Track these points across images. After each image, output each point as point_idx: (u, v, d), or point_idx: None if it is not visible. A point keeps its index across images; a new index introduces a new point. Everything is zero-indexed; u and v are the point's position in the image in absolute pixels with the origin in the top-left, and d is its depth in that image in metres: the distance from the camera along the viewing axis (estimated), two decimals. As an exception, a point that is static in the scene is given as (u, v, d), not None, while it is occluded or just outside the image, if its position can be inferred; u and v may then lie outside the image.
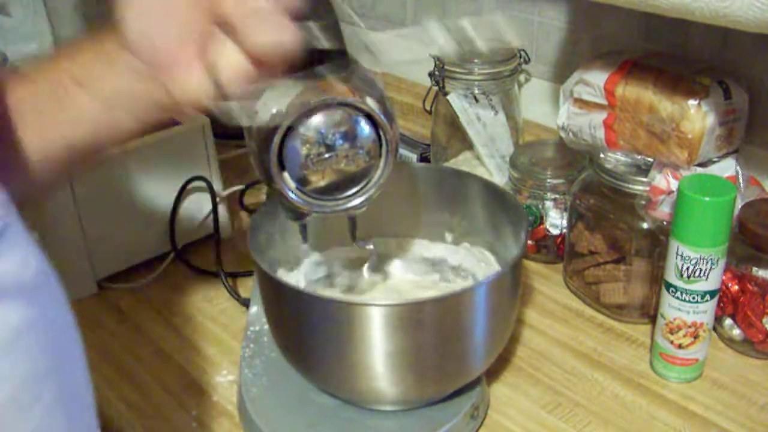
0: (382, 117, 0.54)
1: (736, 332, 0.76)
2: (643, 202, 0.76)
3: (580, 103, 0.85)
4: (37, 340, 0.31)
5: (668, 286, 0.70)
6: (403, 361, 0.62)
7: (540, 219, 0.88)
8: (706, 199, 0.65)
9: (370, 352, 0.60)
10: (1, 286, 0.30)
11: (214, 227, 0.91)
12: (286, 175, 0.55)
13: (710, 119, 0.75)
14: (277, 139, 0.53)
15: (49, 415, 0.32)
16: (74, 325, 0.34)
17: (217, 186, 0.93)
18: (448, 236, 0.78)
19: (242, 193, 1.04)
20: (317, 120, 0.53)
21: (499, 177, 0.96)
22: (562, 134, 0.89)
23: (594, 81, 0.83)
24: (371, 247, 0.67)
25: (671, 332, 0.71)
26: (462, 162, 1.00)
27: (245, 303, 0.83)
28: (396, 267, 0.79)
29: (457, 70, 0.96)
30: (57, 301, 0.34)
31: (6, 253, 0.30)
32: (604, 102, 0.82)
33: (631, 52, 0.86)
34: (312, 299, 0.63)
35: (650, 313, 0.79)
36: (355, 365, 0.62)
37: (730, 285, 0.74)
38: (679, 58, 0.86)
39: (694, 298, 0.69)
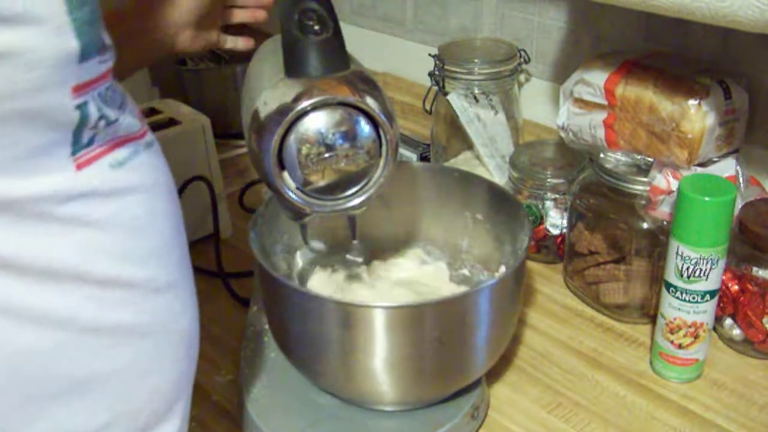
0: (382, 117, 0.54)
1: (736, 332, 0.76)
2: (643, 202, 0.76)
3: (580, 103, 0.85)
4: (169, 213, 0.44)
5: (668, 286, 0.70)
6: (404, 363, 0.62)
7: (540, 219, 0.88)
8: (706, 199, 0.65)
9: (371, 353, 0.60)
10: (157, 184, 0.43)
11: (214, 227, 0.91)
12: (285, 174, 0.55)
13: (710, 119, 0.75)
14: (277, 139, 0.53)
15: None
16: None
17: (217, 186, 0.93)
18: (446, 235, 0.78)
19: (242, 193, 1.04)
20: (317, 120, 0.53)
21: (499, 177, 0.96)
22: (562, 134, 0.89)
23: (594, 81, 0.83)
24: (357, 243, 0.68)
25: (671, 332, 0.71)
26: (462, 162, 1.00)
27: (245, 303, 0.83)
28: (395, 264, 0.79)
29: (457, 69, 0.96)
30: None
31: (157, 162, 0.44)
32: (604, 102, 0.82)
33: (631, 52, 0.86)
34: (313, 299, 0.62)
35: (650, 313, 0.79)
36: (356, 366, 0.62)
37: (730, 285, 0.74)
38: (679, 58, 0.86)
39: (694, 298, 0.69)
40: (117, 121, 0.40)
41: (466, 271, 0.77)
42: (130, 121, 0.41)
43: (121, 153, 0.40)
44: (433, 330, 0.61)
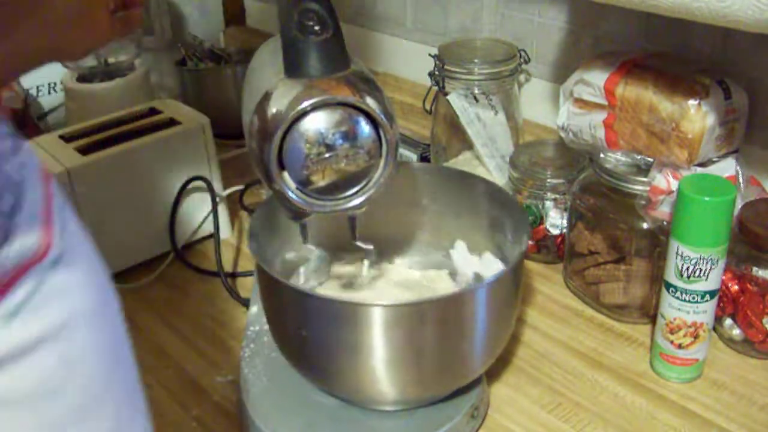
0: (382, 117, 0.54)
1: (736, 332, 0.76)
2: (643, 202, 0.76)
3: (580, 103, 0.85)
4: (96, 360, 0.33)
5: (668, 286, 0.70)
6: (403, 361, 0.62)
7: (540, 219, 0.88)
8: (706, 199, 0.65)
9: (370, 352, 0.60)
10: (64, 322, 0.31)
11: (214, 227, 0.91)
12: (286, 174, 0.55)
13: (710, 119, 0.75)
14: (277, 139, 0.53)
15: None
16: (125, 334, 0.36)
17: (217, 186, 0.93)
18: (448, 236, 0.78)
19: (242, 193, 1.04)
20: (317, 120, 0.53)
21: (499, 177, 0.96)
22: (562, 134, 0.89)
23: (594, 81, 0.83)
24: (371, 246, 0.68)
25: (671, 332, 0.71)
26: (462, 162, 1.00)
27: (245, 303, 0.83)
28: (396, 264, 0.79)
29: (457, 70, 0.96)
30: (114, 320, 0.35)
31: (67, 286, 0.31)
32: (604, 102, 0.82)
33: (631, 52, 0.86)
34: (312, 299, 0.62)
35: (650, 313, 0.79)
36: (355, 365, 0.62)
37: (730, 285, 0.74)
38: (679, 58, 0.86)
39: (694, 298, 0.69)
40: None
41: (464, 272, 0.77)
42: (22, 244, 0.29)
43: (15, 297, 0.29)
44: (432, 328, 0.61)
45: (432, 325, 0.60)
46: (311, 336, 0.62)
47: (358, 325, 0.59)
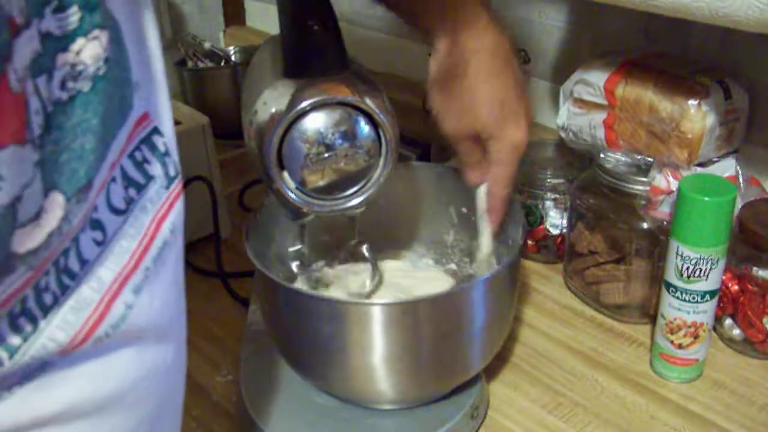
0: (381, 116, 0.54)
1: (736, 332, 0.76)
2: (643, 202, 0.76)
3: (580, 103, 0.85)
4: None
5: (668, 286, 0.70)
6: (401, 360, 0.62)
7: (540, 219, 0.88)
8: (706, 199, 0.65)
9: (368, 351, 0.60)
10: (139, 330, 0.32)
11: (214, 227, 0.91)
12: (285, 174, 0.55)
13: (710, 119, 0.75)
14: (276, 139, 0.53)
15: None
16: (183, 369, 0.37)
17: (217, 186, 0.93)
18: (448, 236, 0.78)
19: (242, 193, 1.04)
20: (317, 119, 0.53)
21: (499, 177, 0.95)
22: (562, 134, 0.89)
23: (594, 81, 0.83)
24: (367, 246, 0.68)
25: (671, 332, 0.71)
26: (462, 162, 1.00)
27: (245, 303, 0.83)
28: (394, 264, 0.79)
29: (457, 70, 0.96)
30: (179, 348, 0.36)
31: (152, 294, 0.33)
32: (604, 102, 0.82)
33: (631, 52, 0.86)
34: (309, 299, 0.62)
35: (650, 313, 0.79)
36: (353, 364, 0.62)
37: (730, 285, 0.74)
38: (679, 58, 0.86)
39: (694, 298, 0.68)
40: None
41: (457, 267, 0.77)
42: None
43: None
44: (430, 326, 0.61)
45: (428, 323, 0.60)
46: (308, 336, 0.62)
47: (355, 324, 0.59)
